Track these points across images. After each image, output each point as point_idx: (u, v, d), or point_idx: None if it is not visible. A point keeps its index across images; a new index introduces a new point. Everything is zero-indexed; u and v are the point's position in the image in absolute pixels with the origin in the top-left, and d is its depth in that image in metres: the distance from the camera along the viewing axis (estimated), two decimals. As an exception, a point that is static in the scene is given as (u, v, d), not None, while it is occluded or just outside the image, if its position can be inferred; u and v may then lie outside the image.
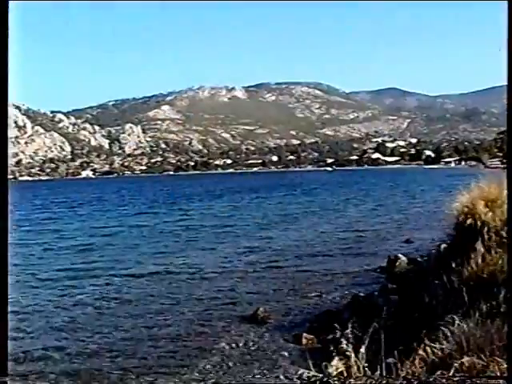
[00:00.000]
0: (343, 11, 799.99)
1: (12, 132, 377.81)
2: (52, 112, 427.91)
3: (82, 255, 34.22)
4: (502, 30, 6.12)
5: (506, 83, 6.10)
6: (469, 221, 14.46)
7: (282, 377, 13.35)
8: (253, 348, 15.85)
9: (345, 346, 6.65)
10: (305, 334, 16.04)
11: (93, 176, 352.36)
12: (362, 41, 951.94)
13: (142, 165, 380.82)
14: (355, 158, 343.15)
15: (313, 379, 6.07)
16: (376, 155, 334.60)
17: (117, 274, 27.13)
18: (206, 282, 24.67)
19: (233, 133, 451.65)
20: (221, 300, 21.27)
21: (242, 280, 24.89)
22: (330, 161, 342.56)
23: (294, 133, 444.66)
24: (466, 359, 6.03)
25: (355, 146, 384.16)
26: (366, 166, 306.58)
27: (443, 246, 19.06)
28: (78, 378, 14.22)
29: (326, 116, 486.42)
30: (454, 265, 12.42)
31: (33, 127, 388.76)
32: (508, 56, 5.93)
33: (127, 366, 14.81)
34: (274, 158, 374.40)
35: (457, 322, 7.23)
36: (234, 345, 16.12)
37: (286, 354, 15.16)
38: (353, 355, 6.33)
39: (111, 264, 30.37)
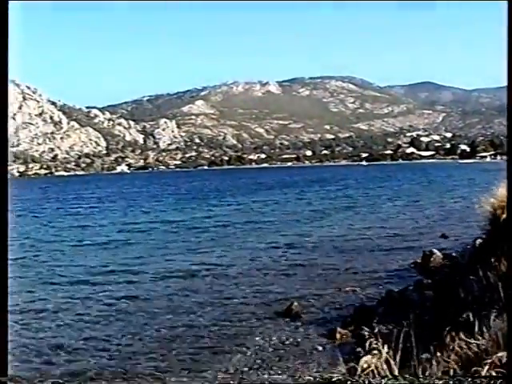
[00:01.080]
0: (377, 5, 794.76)
1: (48, 127, 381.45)
2: (87, 107, 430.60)
3: (109, 252, 33.90)
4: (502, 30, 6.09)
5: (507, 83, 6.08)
6: (504, 216, 14.34)
7: (315, 371, 13.33)
8: (287, 342, 15.86)
9: (376, 342, 6.62)
10: (339, 329, 16.01)
11: (128, 171, 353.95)
12: (395, 34, 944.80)
13: (176, 159, 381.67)
14: (389, 152, 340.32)
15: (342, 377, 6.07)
16: (410, 150, 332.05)
17: (143, 273, 26.64)
18: (239, 278, 24.59)
19: (267, 127, 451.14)
20: (254, 295, 21.27)
21: (275, 276, 24.86)
22: (364, 155, 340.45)
23: (328, 127, 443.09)
24: (501, 354, 5.98)
25: (390, 140, 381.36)
26: (400, 161, 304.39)
27: (479, 241, 18.91)
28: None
29: (361, 110, 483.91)
30: (489, 260, 12.32)
31: (68, 123, 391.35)
32: (508, 56, 5.90)
33: (162, 363, 14.91)
34: (308, 153, 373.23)
35: (492, 317, 7.17)
36: (268, 339, 16.14)
37: (320, 348, 15.15)
38: (385, 351, 6.31)
39: (138, 262, 29.79)
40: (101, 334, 17.43)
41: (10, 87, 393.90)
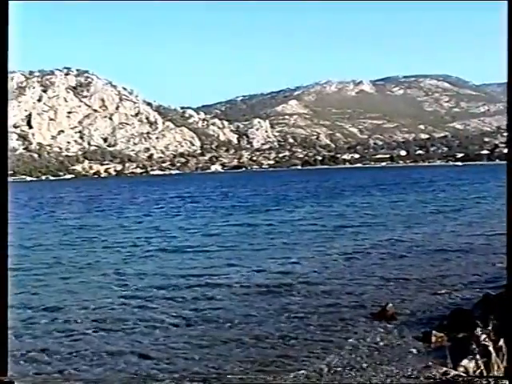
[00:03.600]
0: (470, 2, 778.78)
1: (144, 127, 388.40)
2: (182, 108, 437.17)
3: (177, 257, 32.58)
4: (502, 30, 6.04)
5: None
6: None
7: (410, 374, 13.25)
8: (381, 344, 15.80)
9: (474, 346, 6.59)
10: (434, 332, 15.84)
11: (222, 170, 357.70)
12: (491, 31, 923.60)
13: (269, 159, 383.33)
14: (486, 152, 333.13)
15: (441, 378, 6.06)
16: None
17: (218, 283, 24.74)
18: (329, 281, 24.46)
19: (360, 127, 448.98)
20: (347, 298, 21.20)
21: (368, 278, 24.71)
22: (459, 155, 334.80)
23: (422, 127, 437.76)
24: None
25: (486, 140, 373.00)
26: (497, 161, 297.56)
27: None
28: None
29: (456, 109, 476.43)
30: None
31: (164, 123, 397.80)
32: (508, 56, 5.85)
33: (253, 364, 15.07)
34: (403, 153, 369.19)
35: None
36: (362, 340, 16.11)
37: (415, 351, 15.04)
38: (483, 355, 6.27)
39: (203, 271, 27.91)
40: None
41: (108, 88, 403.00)
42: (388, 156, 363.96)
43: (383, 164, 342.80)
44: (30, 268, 29.64)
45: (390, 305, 18.75)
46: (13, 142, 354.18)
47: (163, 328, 18.41)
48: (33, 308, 20.97)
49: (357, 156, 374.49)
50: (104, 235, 44.88)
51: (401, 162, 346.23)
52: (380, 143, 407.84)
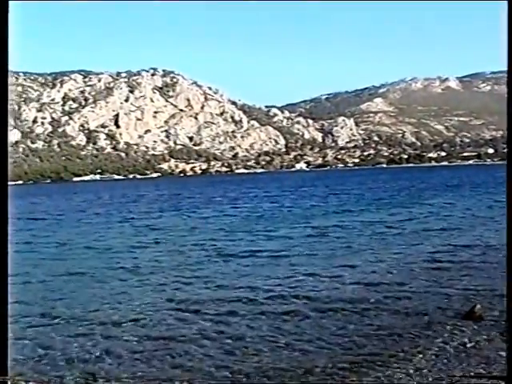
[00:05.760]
0: None
1: (229, 126, 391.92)
2: (267, 107, 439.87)
3: (244, 263, 30.48)
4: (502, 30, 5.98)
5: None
6: None
7: (497, 375, 13.09)
8: (468, 345, 15.61)
9: None
10: (524, 334, 15.56)
11: (306, 169, 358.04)
12: None
13: (354, 157, 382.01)
14: None
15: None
16: None
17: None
18: (416, 284, 24.13)
19: (447, 124, 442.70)
20: (434, 298, 20.98)
21: (453, 280, 24.38)
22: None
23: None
24: None
25: None
26: None
27: None
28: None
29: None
30: None
31: (248, 122, 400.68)
32: (508, 56, 5.77)
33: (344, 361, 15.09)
34: (490, 151, 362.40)
35: None
36: (450, 341, 15.95)
37: (504, 354, 14.82)
38: None
39: (270, 279, 25.65)
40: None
41: (193, 88, 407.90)
42: (475, 154, 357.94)
43: (470, 162, 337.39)
44: (88, 272, 28.60)
45: (479, 306, 18.49)
46: (101, 141, 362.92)
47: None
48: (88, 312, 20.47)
49: (443, 154, 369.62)
50: (174, 237, 44.00)
51: (488, 159, 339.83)
52: (467, 141, 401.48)
